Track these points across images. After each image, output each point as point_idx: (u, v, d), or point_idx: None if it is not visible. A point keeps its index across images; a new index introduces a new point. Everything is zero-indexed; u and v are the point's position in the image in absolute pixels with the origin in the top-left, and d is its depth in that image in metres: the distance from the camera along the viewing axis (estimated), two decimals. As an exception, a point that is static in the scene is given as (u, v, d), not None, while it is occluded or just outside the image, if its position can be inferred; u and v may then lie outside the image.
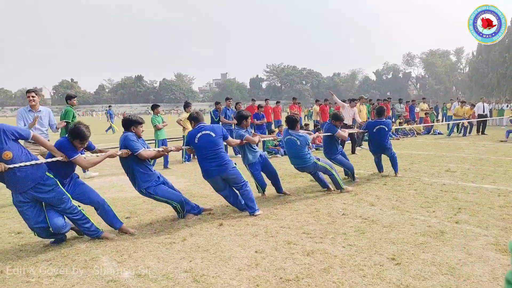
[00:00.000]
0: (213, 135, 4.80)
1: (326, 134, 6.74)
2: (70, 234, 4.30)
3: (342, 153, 6.96)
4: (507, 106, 19.59)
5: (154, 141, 9.44)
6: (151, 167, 4.64)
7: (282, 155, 10.66)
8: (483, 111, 15.43)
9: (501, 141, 12.92)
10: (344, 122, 11.32)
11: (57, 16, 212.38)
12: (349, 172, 6.89)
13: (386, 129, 7.27)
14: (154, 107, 9.41)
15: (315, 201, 5.56)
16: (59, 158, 3.85)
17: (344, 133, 6.89)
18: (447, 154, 10.19)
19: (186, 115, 9.76)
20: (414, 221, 4.49)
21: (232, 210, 5.20)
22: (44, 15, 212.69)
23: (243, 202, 5.03)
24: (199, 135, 4.80)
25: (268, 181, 6.04)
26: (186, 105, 9.91)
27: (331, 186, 6.13)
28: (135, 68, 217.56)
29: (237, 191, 5.09)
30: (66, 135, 4.03)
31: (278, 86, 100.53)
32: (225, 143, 5.14)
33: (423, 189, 6.10)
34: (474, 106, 16.29)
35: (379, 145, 7.35)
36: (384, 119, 7.43)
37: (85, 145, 4.12)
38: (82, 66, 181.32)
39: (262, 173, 5.89)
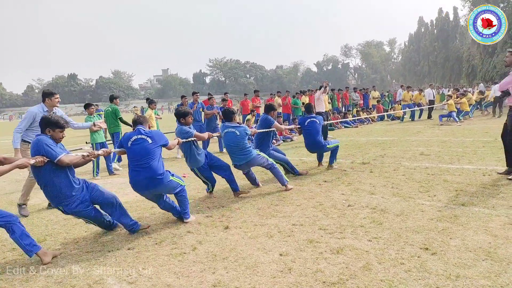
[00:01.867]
0: (150, 141, 4.20)
1: (262, 130, 6.29)
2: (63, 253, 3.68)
3: (274, 148, 6.64)
4: (448, 91, 20.95)
5: (91, 145, 8.02)
6: (75, 178, 3.88)
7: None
8: (433, 97, 16.32)
9: (441, 124, 13.67)
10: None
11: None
12: (288, 167, 6.51)
13: (318, 123, 6.88)
14: (87, 106, 8.18)
15: (312, 194, 5.35)
16: None
17: (281, 126, 6.75)
18: (411, 138, 10.54)
19: (151, 112, 9.13)
20: (422, 206, 4.44)
21: (227, 210, 4.82)
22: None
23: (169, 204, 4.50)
24: (133, 138, 4.22)
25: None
26: (151, 102, 9.22)
27: (260, 183, 6.01)
28: (67, 66, 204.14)
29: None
30: None
31: (222, 81, 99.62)
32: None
33: (410, 174, 6.15)
34: (422, 91, 17.14)
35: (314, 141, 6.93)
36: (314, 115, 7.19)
37: None
38: (5, 66, 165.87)
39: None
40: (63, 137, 3.88)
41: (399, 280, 2.78)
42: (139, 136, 4.24)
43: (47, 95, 5.50)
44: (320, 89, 12.93)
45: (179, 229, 4.23)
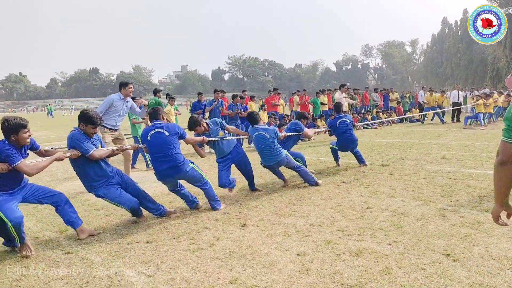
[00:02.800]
0: (166, 133, 4.44)
1: (291, 133, 6.35)
2: (78, 245, 3.76)
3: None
4: (470, 94, 20.44)
5: (131, 137, 8.60)
6: (106, 166, 4.27)
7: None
8: (458, 99, 15.91)
9: (464, 128, 13.33)
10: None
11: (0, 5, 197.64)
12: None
13: (348, 122, 7.07)
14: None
15: (331, 194, 5.30)
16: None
17: (310, 132, 6.70)
18: (432, 142, 10.33)
19: (170, 108, 9.21)
20: (443, 211, 4.34)
21: (244, 207, 4.82)
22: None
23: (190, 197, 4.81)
24: (151, 132, 4.47)
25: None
26: (170, 97, 9.30)
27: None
28: (90, 60, 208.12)
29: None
30: (4, 139, 3.52)
31: (240, 78, 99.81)
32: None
33: (431, 177, 6.02)
34: (444, 93, 16.75)
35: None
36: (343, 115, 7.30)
37: (30, 135, 3.62)
38: (30, 59, 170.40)
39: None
40: (94, 133, 4.20)
41: (420, 286, 2.73)
42: (157, 130, 4.47)
43: (122, 85, 6.26)
44: (339, 89, 12.85)
45: (197, 225, 4.25)
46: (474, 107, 14.16)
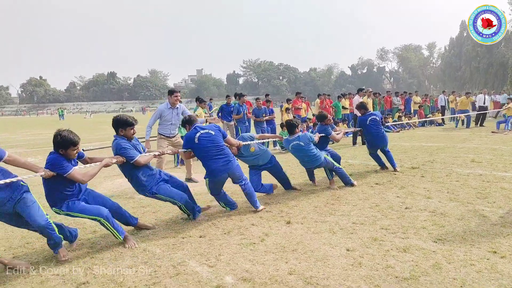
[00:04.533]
0: (213, 133, 4.65)
1: (321, 134, 6.41)
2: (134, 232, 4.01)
3: (331, 151, 6.59)
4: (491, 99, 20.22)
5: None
6: (151, 167, 4.42)
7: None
8: (484, 103, 15.78)
9: (493, 132, 13.21)
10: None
11: (21, 10, 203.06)
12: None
13: (378, 119, 7.18)
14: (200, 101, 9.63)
15: (366, 195, 5.45)
16: (40, 174, 3.52)
17: (338, 136, 6.73)
18: (458, 145, 10.34)
19: (201, 110, 9.47)
20: (483, 212, 4.46)
21: (284, 206, 5.01)
22: (6, 9, 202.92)
23: (229, 199, 4.97)
24: (198, 135, 4.60)
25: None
26: (201, 101, 9.52)
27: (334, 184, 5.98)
28: (107, 65, 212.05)
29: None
30: (53, 150, 3.64)
31: (255, 82, 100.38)
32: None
33: (464, 180, 6.11)
34: (470, 95, 16.60)
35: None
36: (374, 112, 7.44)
37: (79, 149, 3.76)
38: (50, 63, 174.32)
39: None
40: (134, 133, 4.30)
41: (472, 279, 2.87)
42: (203, 131, 4.64)
43: (169, 93, 6.47)
44: (358, 93, 12.95)
45: (243, 222, 4.46)
46: (505, 112, 13.99)
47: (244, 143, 5.31)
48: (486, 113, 15.75)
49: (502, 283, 2.81)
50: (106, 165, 4.01)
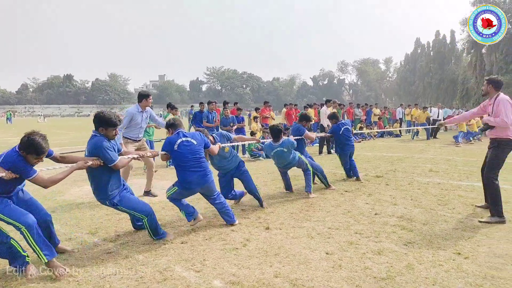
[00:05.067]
0: (195, 142, 4.41)
1: (296, 137, 6.59)
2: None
3: (309, 156, 6.86)
4: (454, 111, 21.63)
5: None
6: (120, 176, 4.07)
7: (264, 158, 10.71)
8: (438, 116, 16.87)
9: (457, 146, 13.99)
10: (323, 124, 11.92)
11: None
12: (321, 177, 6.60)
13: (350, 128, 7.60)
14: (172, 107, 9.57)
15: (338, 202, 5.70)
16: (2, 175, 3.18)
17: (312, 134, 7.07)
18: (416, 156, 11.00)
19: (172, 117, 9.43)
20: (444, 217, 4.82)
21: (261, 213, 5.15)
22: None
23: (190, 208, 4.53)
24: (179, 141, 4.36)
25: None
26: (172, 107, 9.52)
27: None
28: (64, 67, 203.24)
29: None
30: (16, 148, 3.30)
31: (218, 90, 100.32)
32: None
33: (425, 188, 6.55)
34: (426, 109, 17.66)
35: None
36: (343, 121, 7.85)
37: (42, 160, 3.40)
38: (1, 63, 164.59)
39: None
40: (116, 135, 3.96)
41: (442, 278, 3.14)
42: (185, 139, 4.39)
43: (143, 96, 6.20)
44: (326, 103, 13.46)
45: (223, 228, 4.53)
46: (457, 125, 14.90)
47: (222, 145, 5.19)
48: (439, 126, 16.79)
49: (468, 280, 3.09)
50: (80, 168, 3.64)
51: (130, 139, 6.10)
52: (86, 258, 3.68)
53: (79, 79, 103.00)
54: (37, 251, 3.25)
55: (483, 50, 34.51)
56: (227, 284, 3.08)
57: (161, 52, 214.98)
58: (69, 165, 3.71)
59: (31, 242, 3.23)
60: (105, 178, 3.83)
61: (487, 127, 4.82)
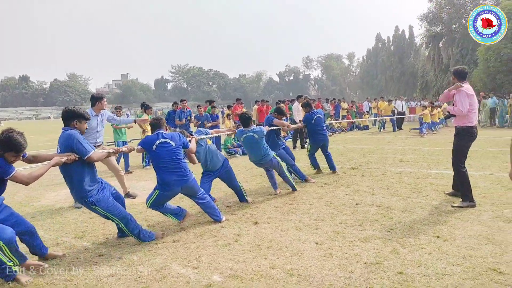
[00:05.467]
0: (173, 144, 4.38)
1: (271, 128, 6.66)
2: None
3: (285, 148, 7.01)
4: (416, 104, 22.57)
5: (113, 143, 8.94)
6: (96, 173, 3.99)
7: (241, 155, 10.81)
8: (402, 109, 17.59)
9: (421, 137, 14.66)
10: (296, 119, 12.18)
11: None
12: (292, 170, 6.72)
13: (322, 117, 7.66)
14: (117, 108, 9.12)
15: (319, 194, 5.90)
16: None
17: (282, 121, 6.90)
18: (386, 147, 11.46)
19: (146, 116, 9.33)
20: (420, 204, 5.13)
21: (247, 208, 5.25)
22: None
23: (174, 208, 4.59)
24: (157, 142, 4.33)
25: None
26: (147, 107, 9.42)
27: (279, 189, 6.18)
28: (19, 67, 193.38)
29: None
30: None
31: (184, 87, 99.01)
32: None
33: (398, 177, 6.89)
34: (391, 101, 18.36)
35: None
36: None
37: (20, 158, 3.41)
38: None
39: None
40: (86, 128, 4.00)
41: (426, 260, 3.38)
42: (163, 140, 4.36)
43: (97, 99, 5.82)
44: (297, 99, 13.72)
45: (212, 225, 4.60)
46: (422, 116, 15.57)
47: (200, 137, 5.23)
48: (404, 117, 17.57)
49: (449, 261, 3.35)
50: (56, 164, 3.55)
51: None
52: (79, 262, 3.65)
53: (36, 80, 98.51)
54: (7, 263, 3.14)
55: (440, 44, 36.17)
56: (226, 278, 3.17)
57: (123, 51, 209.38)
58: (45, 162, 3.61)
59: (8, 255, 3.15)
60: (80, 174, 3.75)
61: (448, 115, 5.26)
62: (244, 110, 14.45)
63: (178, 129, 9.09)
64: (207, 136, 5.45)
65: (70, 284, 3.17)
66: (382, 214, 4.74)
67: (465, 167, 5.10)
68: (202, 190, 4.73)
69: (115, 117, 6.65)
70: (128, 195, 6.17)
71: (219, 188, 6.29)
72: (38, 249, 3.65)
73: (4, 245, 3.09)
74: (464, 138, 5.10)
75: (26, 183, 3.36)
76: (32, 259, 3.59)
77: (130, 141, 10.33)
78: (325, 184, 6.62)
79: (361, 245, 3.79)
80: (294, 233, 4.21)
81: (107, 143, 8.18)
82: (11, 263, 3.17)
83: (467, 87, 5.06)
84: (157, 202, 4.40)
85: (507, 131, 15.33)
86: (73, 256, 3.80)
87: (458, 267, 3.22)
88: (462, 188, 5.08)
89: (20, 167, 3.55)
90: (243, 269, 3.33)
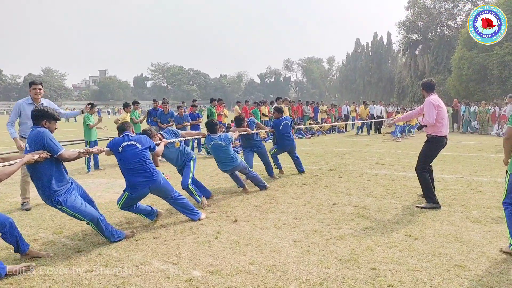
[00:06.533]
0: (139, 146, 4.37)
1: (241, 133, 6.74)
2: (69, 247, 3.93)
3: (262, 149, 7.14)
4: (393, 108, 23.15)
5: (84, 142, 8.72)
6: (65, 173, 3.90)
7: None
8: (380, 113, 18.03)
9: (397, 141, 15.06)
10: None
11: None
12: (267, 168, 7.21)
13: (289, 124, 7.83)
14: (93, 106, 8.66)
15: (298, 194, 6.03)
16: None
17: (239, 128, 6.83)
18: (363, 150, 11.75)
19: (126, 115, 9.28)
20: (394, 204, 5.33)
21: (227, 207, 5.32)
22: None
23: (145, 208, 4.64)
24: (123, 144, 4.33)
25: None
26: (126, 105, 9.37)
27: (246, 186, 6.34)
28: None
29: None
30: None
31: (164, 86, 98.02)
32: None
33: (374, 179, 7.10)
34: (367, 105, 18.79)
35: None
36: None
37: None
38: None
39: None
40: (56, 129, 3.91)
41: (398, 257, 3.54)
42: (129, 142, 4.36)
43: (29, 85, 5.39)
44: (276, 100, 13.90)
45: (191, 223, 4.64)
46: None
47: (169, 140, 5.28)
48: (382, 121, 18.02)
49: (420, 258, 3.52)
50: (28, 162, 3.49)
51: (25, 137, 5.18)
52: (57, 258, 3.63)
53: (10, 74, 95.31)
54: None
55: (417, 52, 37.27)
56: (206, 273, 3.23)
57: (102, 47, 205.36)
58: (17, 160, 3.52)
59: None
60: (48, 173, 3.67)
61: (420, 126, 5.64)
62: (225, 111, 14.56)
63: (154, 127, 8.99)
64: (177, 139, 5.50)
65: (49, 279, 3.16)
66: (358, 214, 4.90)
67: (426, 171, 5.33)
68: (177, 192, 4.70)
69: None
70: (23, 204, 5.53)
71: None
72: (17, 246, 3.57)
73: None
74: (432, 146, 5.35)
75: None
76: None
77: (108, 139, 10.20)
78: (304, 184, 6.76)
79: (337, 242, 3.92)
80: (273, 231, 4.31)
81: (76, 141, 8.08)
82: None
83: (433, 98, 5.27)
84: (127, 204, 4.41)
85: (478, 137, 15.95)
86: (51, 252, 3.77)
87: (428, 263, 3.39)
88: (424, 190, 5.30)
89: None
90: (222, 265, 3.40)
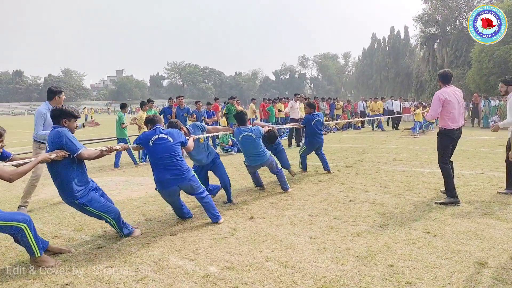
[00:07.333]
0: (171, 140, 4.32)
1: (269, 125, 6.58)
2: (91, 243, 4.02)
3: (282, 150, 6.89)
4: (411, 104, 22.82)
5: (116, 139, 9.09)
6: (86, 173, 3.91)
7: (236, 153, 10.88)
8: (399, 109, 17.77)
9: (415, 137, 14.80)
10: (293, 117, 12.34)
11: None
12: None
13: (321, 120, 7.68)
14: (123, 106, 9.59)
15: (314, 191, 6.01)
16: None
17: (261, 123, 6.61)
18: (380, 146, 11.61)
19: (143, 114, 9.40)
20: (412, 201, 5.25)
21: (243, 204, 5.35)
22: None
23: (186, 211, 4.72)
24: (154, 137, 4.29)
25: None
26: (143, 104, 9.53)
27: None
28: (13, 62, 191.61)
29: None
30: None
31: (180, 85, 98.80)
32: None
33: (392, 176, 7.01)
34: (383, 99, 18.51)
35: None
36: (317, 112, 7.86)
37: (1, 148, 3.42)
38: None
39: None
40: (77, 128, 3.93)
41: (416, 254, 3.49)
42: (160, 136, 4.31)
43: (55, 93, 5.35)
44: (293, 97, 13.83)
45: (208, 220, 4.67)
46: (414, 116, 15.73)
47: (196, 136, 5.15)
48: (400, 117, 17.75)
49: (439, 254, 3.46)
50: (43, 161, 3.48)
51: (45, 143, 4.98)
52: (78, 254, 3.72)
53: (30, 75, 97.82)
54: (33, 247, 3.30)
55: (435, 45, 36.48)
56: (223, 269, 3.26)
57: (119, 47, 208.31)
58: (32, 159, 3.58)
59: (30, 238, 3.27)
60: (69, 174, 3.64)
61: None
62: (241, 108, 14.60)
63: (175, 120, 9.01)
64: (203, 135, 5.37)
65: (70, 275, 3.24)
66: (375, 211, 4.86)
67: (448, 163, 5.24)
68: (203, 187, 4.59)
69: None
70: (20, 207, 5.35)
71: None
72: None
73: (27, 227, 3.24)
74: (443, 138, 5.30)
75: (9, 180, 3.23)
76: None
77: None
78: (320, 181, 6.73)
79: (353, 239, 3.90)
80: (289, 227, 4.31)
81: (108, 139, 8.24)
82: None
83: (442, 91, 5.18)
84: (166, 201, 4.54)
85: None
86: (72, 248, 3.87)
87: (447, 260, 3.34)
88: (445, 184, 5.23)
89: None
90: (239, 261, 3.42)
